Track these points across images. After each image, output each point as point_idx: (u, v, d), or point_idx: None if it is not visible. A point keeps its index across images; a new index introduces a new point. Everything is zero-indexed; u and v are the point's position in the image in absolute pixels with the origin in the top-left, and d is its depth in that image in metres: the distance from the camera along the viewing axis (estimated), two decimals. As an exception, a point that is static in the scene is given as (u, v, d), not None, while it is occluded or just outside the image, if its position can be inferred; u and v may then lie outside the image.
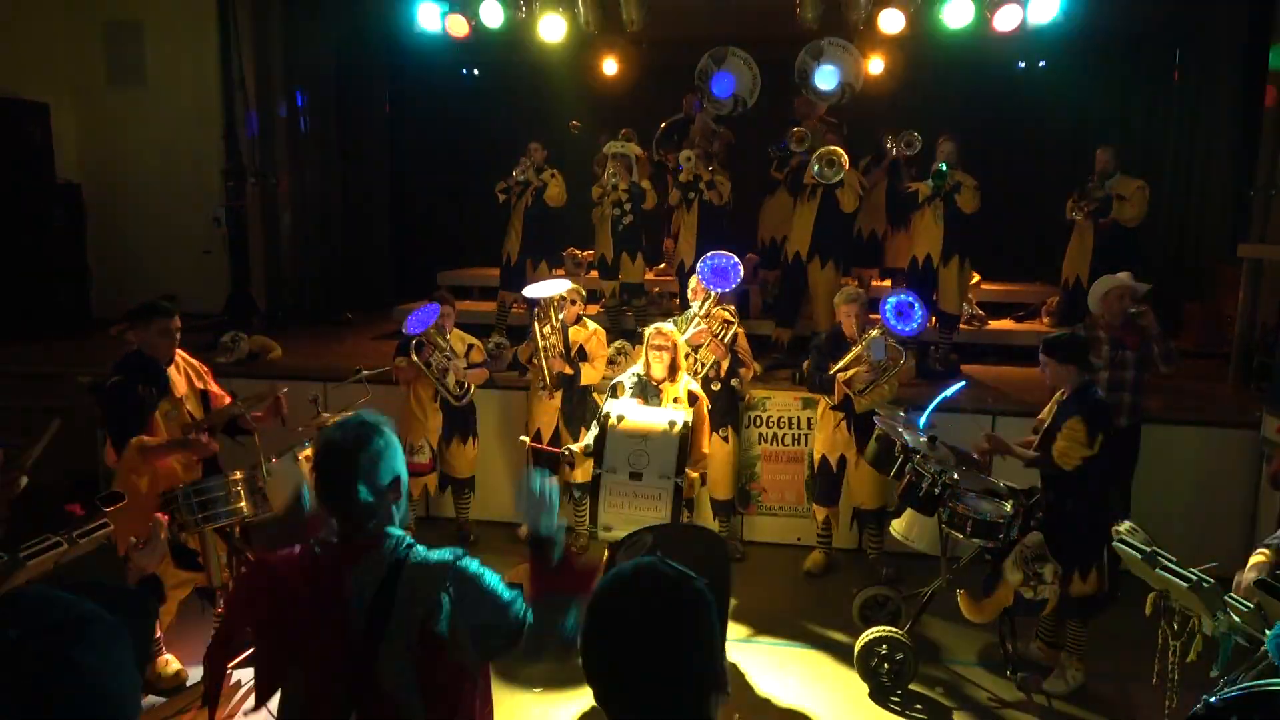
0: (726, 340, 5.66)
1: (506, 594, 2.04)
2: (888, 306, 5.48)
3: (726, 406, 5.78)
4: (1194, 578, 2.90)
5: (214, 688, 2.31)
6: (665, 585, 1.36)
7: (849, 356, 5.47)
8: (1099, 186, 6.92)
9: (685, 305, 7.65)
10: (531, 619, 2.02)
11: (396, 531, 2.10)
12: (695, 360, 5.59)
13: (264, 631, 2.11)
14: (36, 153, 8.82)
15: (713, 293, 5.68)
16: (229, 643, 2.29)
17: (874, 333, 5.41)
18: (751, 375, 5.96)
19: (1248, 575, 3.02)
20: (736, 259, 5.80)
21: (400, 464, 2.15)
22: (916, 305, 5.49)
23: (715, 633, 1.37)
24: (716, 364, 5.65)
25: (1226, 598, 2.83)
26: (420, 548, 2.09)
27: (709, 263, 5.74)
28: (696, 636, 1.34)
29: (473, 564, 2.07)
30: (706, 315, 5.69)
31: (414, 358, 5.67)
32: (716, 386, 5.65)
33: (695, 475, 4.85)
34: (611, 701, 1.35)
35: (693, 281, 5.96)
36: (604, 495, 4.30)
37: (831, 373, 5.49)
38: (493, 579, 2.06)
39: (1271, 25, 7.70)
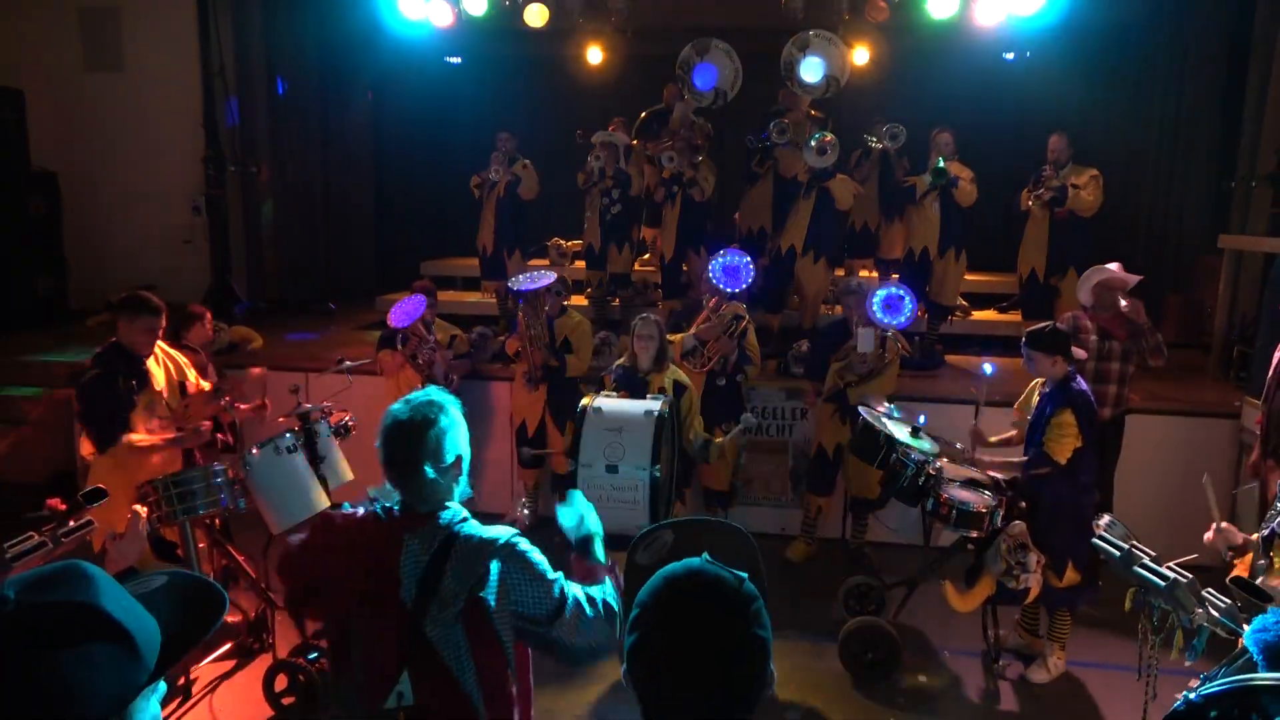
0: (737, 334, 5.62)
1: (551, 575, 2.11)
2: (876, 299, 5.45)
3: (731, 402, 5.68)
4: (1170, 576, 2.91)
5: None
6: (719, 589, 1.31)
7: (848, 346, 5.50)
8: (1054, 176, 6.73)
9: (668, 295, 7.68)
10: (572, 605, 2.09)
11: (454, 507, 2.17)
12: (704, 355, 5.57)
13: (327, 587, 2.15)
14: (11, 140, 8.68)
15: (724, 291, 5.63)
16: (301, 596, 2.27)
17: (866, 327, 5.39)
18: (756, 373, 5.90)
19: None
20: (749, 257, 5.75)
21: (463, 443, 2.21)
22: (907, 298, 5.45)
23: (768, 633, 1.33)
24: (725, 359, 5.60)
25: (1205, 592, 2.84)
26: (475, 523, 2.15)
27: (720, 260, 5.69)
28: (753, 639, 1.30)
29: (524, 543, 2.13)
30: (718, 309, 5.66)
31: (400, 350, 5.62)
32: (722, 381, 5.60)
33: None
34: (661, 709, 1.31)
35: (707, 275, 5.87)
36: (581, 491, 4.23)
37: (832, 361, 5.51)
38: (541, 562, 2.12)
39: (1254, 17, 7.76)
